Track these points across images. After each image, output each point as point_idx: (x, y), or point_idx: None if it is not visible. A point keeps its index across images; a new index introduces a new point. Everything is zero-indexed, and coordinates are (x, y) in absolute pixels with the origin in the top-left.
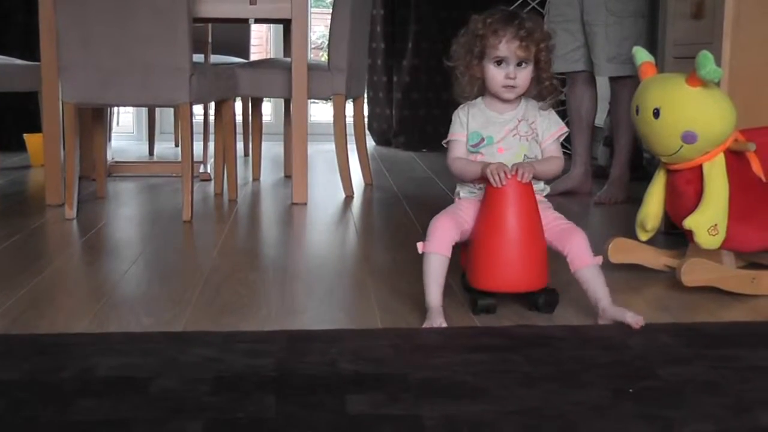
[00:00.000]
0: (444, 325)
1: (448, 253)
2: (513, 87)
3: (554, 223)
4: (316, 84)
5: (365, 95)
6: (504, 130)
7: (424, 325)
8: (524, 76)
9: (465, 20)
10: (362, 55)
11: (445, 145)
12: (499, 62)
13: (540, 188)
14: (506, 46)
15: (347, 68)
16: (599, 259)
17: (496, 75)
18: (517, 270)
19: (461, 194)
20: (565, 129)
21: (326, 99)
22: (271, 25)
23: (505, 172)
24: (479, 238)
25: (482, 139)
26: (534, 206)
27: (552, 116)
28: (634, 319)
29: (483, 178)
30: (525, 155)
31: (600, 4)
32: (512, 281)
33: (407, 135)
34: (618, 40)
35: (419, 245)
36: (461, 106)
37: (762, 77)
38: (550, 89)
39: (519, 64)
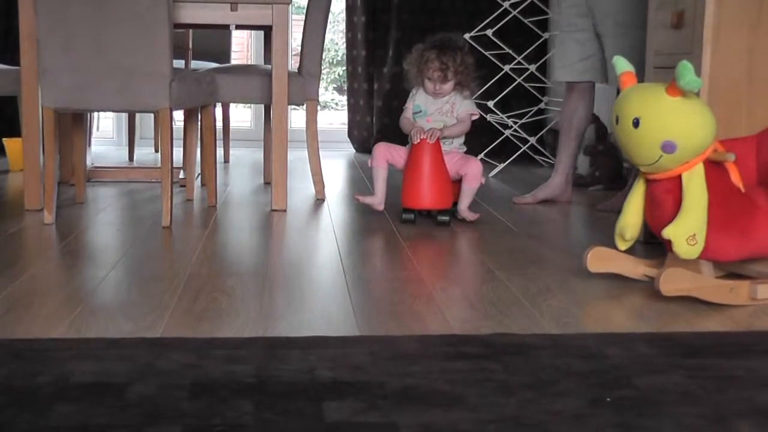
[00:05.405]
0: (381, 208)
1: (385, 165)
2: (439, 94)
3: (461, 160)
4: (291, 90)
5: (346, 102)
6: (435, 109)
7: (364, 198)
8: (447, 87)
9: (446, 26)
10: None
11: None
12: (430, 79)
13: (458, 145)
14: (432, 74)
15: (318, 74)
16: (483, 180)
17: (428, 86)
18: (425, 194)
19: (406, 146)
20: (476, 112)
21: (299, 105)
22: (252, 31)
23: (420, 134)
24: (404, 174)
25: (420, 111)
26: (438, 156)
27: (469, 102)
28: (472, 216)
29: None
30: (444, 124)
31: (608, 16)
32: (422, 201)
33: (387, 142)
34: (625, 50)
35: (369, 161)
36: (415, 87)
37: (741, 87)
38: (473, 92)
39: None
